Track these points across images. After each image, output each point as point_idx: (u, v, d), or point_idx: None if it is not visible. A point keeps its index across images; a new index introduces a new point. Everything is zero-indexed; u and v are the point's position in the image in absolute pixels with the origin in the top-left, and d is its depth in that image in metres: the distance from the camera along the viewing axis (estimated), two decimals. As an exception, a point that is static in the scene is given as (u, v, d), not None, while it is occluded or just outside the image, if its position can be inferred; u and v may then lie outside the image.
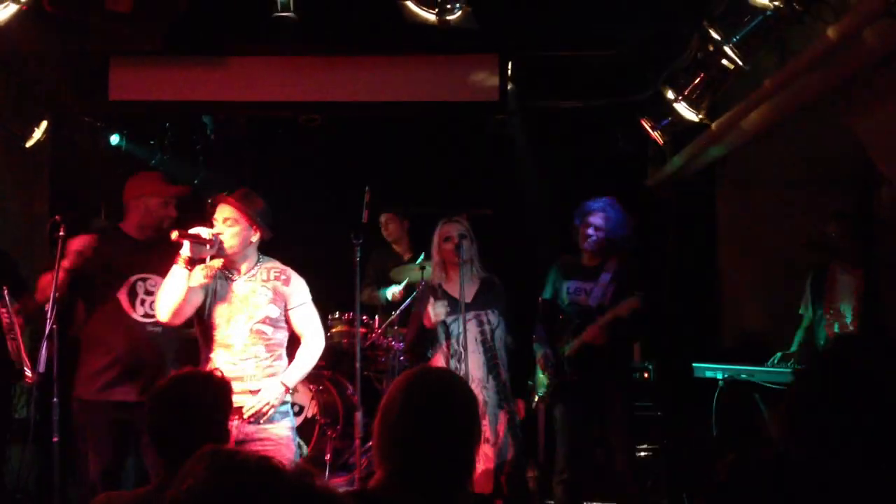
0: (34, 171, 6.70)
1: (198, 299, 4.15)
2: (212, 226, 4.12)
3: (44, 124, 5.95)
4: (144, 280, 4.65)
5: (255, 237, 4.18)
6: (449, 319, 4.91)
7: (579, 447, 5.00)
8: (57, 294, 4.48)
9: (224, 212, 4.13)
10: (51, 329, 4.44)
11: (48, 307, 4.48)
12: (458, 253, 4.88)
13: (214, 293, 4.19)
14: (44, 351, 4.43)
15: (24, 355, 5.17)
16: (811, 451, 1.78)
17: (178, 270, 4.03)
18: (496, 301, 5.03)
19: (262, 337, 4.13)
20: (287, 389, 4.11)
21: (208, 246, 4.04)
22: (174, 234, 4.05)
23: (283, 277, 4.22)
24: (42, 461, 5.90)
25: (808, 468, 1.75)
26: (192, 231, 4.02)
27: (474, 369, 4.78)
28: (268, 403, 4.04)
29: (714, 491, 1.64)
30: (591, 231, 5.05)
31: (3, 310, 5.04)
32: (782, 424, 1.89)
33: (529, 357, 5.25)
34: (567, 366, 4.99)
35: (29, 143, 5.97)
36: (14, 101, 5.92)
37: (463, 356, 4.81)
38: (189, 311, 4.15)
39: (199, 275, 4.14)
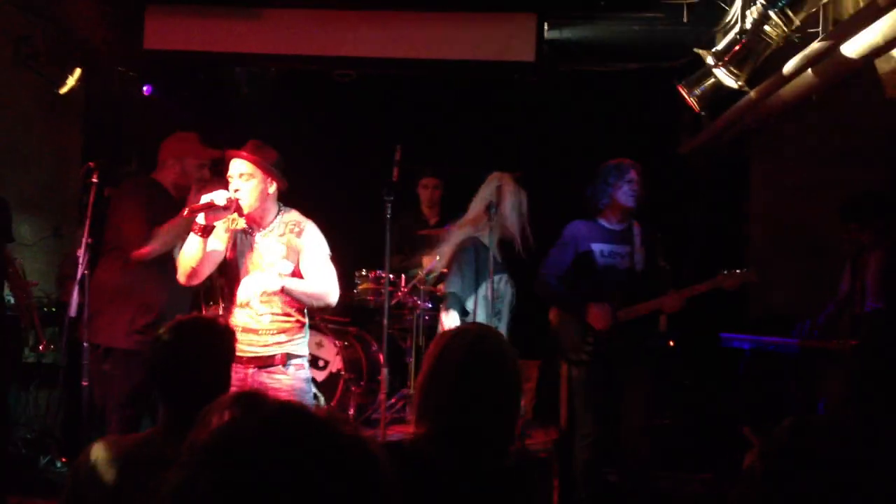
0: (67, 118, 6.73)
1: (219, 256, 4.14)
2: (227, 182, 4.08)
3: (77, 72, 5.98)
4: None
5: (273, 188, 4.12)
6: (496, 278, 4.88)
7: (606, 410, 4.97)
8: (90, 241, 4.52)
9: (239, 166, 4.05)
10: (82, 275, 4.47)
11: (80, 253, 4.52)
12: (489, 219, 4.86)
13: (234, 247, 4.18)
14: (75, 296, 4.47)
15: (37, 324, 5.24)
16: (876, 416, 1.76)
17: (193, 238, 4.00)
18: (506, 263, 5.02)
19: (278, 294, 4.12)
20: (282, 287, 3.97)
21: (224, 206, 3.99)
22: (185, 212, 4.03)
23: (296, 230, 4.13)
24: (69, 406, 5.99)
25: (872, 433, 1.73)
26: (204, 200, 3.95)
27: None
28: (257, 286, 3.97)
29: (773, 455, 1.61)
30: (635, 187, 4.98)
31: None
32: (847, 392, 1.88)
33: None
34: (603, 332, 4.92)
35: (62, 90, 6.00)
36: (49, 49, 5.92)
37: (502, 315, 4.85)
38: (208, 271, 4.14)
39: (220, 231, 4.13)
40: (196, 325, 2.80)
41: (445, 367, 2.28)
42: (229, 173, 4.07)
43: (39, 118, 6.60)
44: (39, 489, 5.54)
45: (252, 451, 0.97)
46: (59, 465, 5.99)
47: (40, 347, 5.17)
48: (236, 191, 4.01)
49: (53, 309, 5.81)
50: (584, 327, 4.91)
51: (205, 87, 7.05)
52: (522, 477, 2.33)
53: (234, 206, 4.00)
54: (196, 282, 4.18)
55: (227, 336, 2.81)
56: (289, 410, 1.04)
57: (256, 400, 1.04)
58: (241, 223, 4.14)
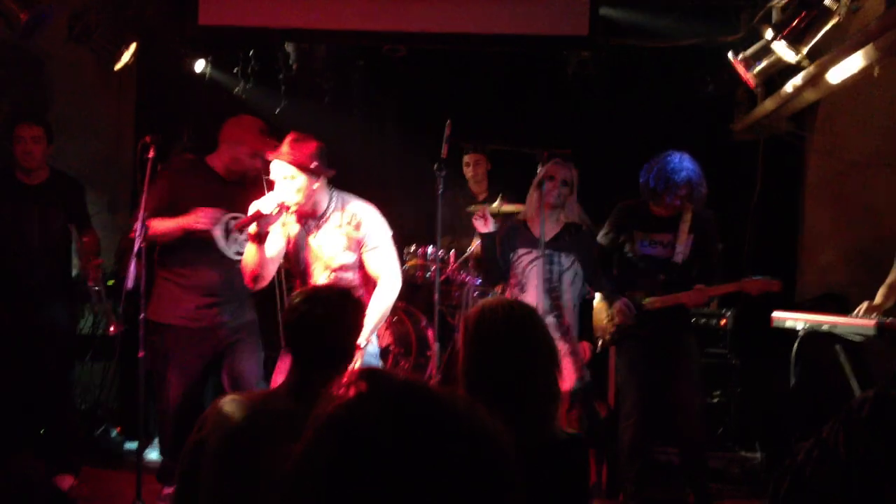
0: (123, 93, 6.80)
1: (281, 254, 4.24)
2: (272, 184, 4.13)
3: (132, 47, 6.02)
4: (236, 219, 4.73)
5: (317, 184, 4.15)
6: (521, 251, 4.93)
7: (647, 392, 4.96)
8: (146, 215, 4.57)
9: (281, 169, 4.09)
10: (139, 248, 4.53)
11: (137, 226, 4.58)
12: (556, 196, 4.87)
13: (295, 242, 4.25)
14: (132, 268, 4.53)
15: (108, 309, 5.25)
16: None
17: (249, 246, 4.10)
18: (575, 247, 5.00)
19: (344, 282, 4.17)
20: (359, 349, 3.94)
21: (275, 213, 4.05)
22: (235, 226, 4.16)
23: (354, 222, 4.19)
24: (124, 378, 6.09)
25: None
26: (251, 211, 4.03)
27: (533, 304, 4.80)
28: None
29: (855, 426, 1.60)
30: (678, 203, 4.90)
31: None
32: None
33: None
34: (643, 316, 4.93)
35: (117, 66, 6.05)
36: (102, 24, 5.97)
37: (525, 286, 4.89)
38: (272, 272, 4.26)
39: (278, 234, 4.21)
40: (328, 293, 2.87)
41: (478, 345, 2.28)
42: (272, 175, 4.13)
43: (96, 93, 6.69)
44: (95, 459, 5.66)
45: (373, 428, 0.97)
46: (114, 434, 6.10)
47: (111, 329, 5.12)
48: (282, 197, 4.06)
49: (111, 282, 5.88)
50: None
51: (256, 62, 7.07)
52: (563, 454, 2.30)
53: (283, 210, 4.07)
54: (263, 284, 4.28)
55: (356, 306, 2.87)
56: (412, 388, 1.03)
57: (380, 376, 1.03)
58: (293, 220, 4.22)
